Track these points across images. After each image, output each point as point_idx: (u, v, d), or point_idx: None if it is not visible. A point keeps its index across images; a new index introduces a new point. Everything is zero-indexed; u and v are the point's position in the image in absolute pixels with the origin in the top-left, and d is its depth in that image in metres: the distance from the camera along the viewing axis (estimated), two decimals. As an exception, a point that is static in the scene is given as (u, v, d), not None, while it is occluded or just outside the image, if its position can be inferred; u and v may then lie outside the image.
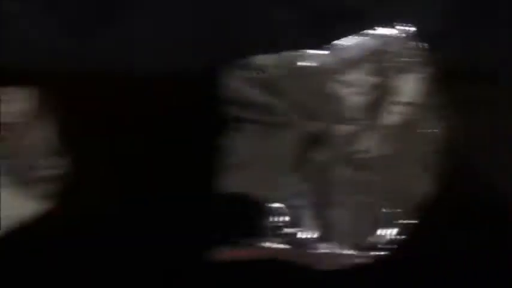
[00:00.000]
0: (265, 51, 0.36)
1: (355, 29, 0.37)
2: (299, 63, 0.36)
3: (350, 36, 0.37)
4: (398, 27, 0.37)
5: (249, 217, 0.31)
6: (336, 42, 0.37)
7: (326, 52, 0.36)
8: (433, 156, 0.33)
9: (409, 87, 0.35)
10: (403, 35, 0.36)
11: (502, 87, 0.37)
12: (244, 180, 0.32)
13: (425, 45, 0.35)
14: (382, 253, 0.31)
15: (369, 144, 0.34)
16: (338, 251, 0.31)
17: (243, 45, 0.37)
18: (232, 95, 0.34)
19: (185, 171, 0.33)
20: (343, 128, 0.34)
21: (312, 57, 0.36)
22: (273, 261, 0.31)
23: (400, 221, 0.32)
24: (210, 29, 0.38)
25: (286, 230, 0.31)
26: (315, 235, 0.32)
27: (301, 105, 0.35)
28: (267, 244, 0.31)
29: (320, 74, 0.36)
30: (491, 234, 0.32)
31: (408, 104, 0.35)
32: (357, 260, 0.31)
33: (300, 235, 0.31)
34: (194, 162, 0.33)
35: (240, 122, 0.33)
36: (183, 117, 0.34)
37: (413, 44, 0.36)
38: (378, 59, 0.36)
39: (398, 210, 0.32)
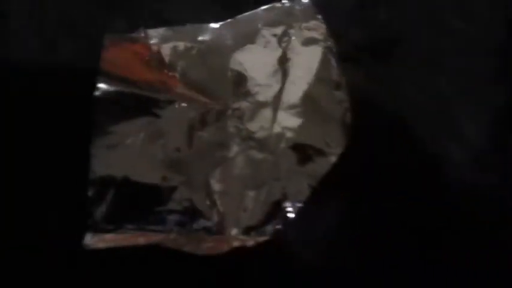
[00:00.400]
0: (160, 24, 0.34)
1: (260, 1, 0.35)
2: (199, 38, 0.34)
3: (254, 9, 0.35)
4: (303, 0, 0.35)
5: (130, 201, 0.28)
6: (239, 16, 0.35)
7: (227, 25, 0.34)
8: (336, 133, 0.32)
9: (313, 61, 0.33)
10: (307, 8, 0.35)
11: (403, 63, 0.35)
12: (126, 161, 0.29)
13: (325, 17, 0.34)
14: (275, 234, 0.28)
15: (270, 122, 0.32)
16: (229, 234, 0.29)
17: (135, 17, 0.34)
18: (115, 70, 0.31)
19: (59, 153, 0.30)
20: (242, 105, 0.32)
21: (212, 31, 0.34)
22: (156, 247, 0.27)
23: (295, 203, 0.30)
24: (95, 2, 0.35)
25: (173, 214, 0.28)
26: (204, 219, 0.29)
27: (197, 81, 0.32)
28: (150, 230, 0.28)
29: (219, 48, 0.33)
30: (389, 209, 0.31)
31: (311, 78, 0.33)
32: (248, 244, 0.28)
33: (186, 219, 0.28)
34: (69, 143, 0.30)
35: (124, 99, 0.30)
36: (56, 95, 0.31)
37: (317, 17, 0.34)
38: (281, 32, 0.34)
39: (294, 190, 0.30)
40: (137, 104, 0.30)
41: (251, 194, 0.30)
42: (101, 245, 0.27)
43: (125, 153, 0.29)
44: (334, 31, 0.34)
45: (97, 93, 0.29)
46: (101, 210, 0.28)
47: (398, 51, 0.35)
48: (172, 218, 0.28)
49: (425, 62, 0.35)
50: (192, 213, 0.29)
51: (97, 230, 0.28)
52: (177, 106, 0.31)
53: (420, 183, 0.32)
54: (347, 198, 0.31)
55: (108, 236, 0.27)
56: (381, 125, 0.33)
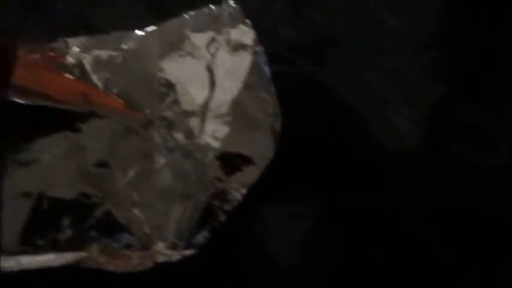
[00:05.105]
0: (83, 32, 0.32)
1: (190, 6, 0.34)
2: (123, 46, 0.33)
3: (180, 15, 0.34)
4: (231, 5, 0.34)
5: (46, 219, 0.27)
6: (165, 22, 0.34)
7: (153, 32, 0.33)
8: (265, 141, 0.31)
9: (241, 68, 0.32)
10: (235, 13, 0.34)
11: (337, 63, 0.35)
12: (42, 178, 0.28)
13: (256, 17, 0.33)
14: (200, 248, 0.28)
15: (197, 131, 0.31)
16: (154, 249, 0.28)
17: (54, 23, 0.33)
18: (29, 83, 0.29)
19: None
20: (169, 115, 0.31)
21: (137, 38, 0.33)
22: (75, 268, 0.27)
23: (223, 213, 0.29)
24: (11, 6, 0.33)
25: (93, 231, 0.27)
26: (127, 234, 0.28)
27: (121, 92, 0.31)
28: (69, 249, 0.27)
29: (144, 56, 0.32)
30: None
31: (239, 86, 0.32)
32: (174, 258, 0.28)
33: (108, 236, 0.28)
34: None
35: (39, 114, 0.28)
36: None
37: (245, 21, 0.34)
38: (209, 38, 0.33)
39: (222, 200, 0.29)
40: (54, 118, 0.29)
41: (178, 206, 0.29)
42: (16, 268, 0.26)
43: (41, 170, 0.28)
44: (266, 31, 0.33)
45: (8, 108, 0.28)
46: (14, 231, 0.27)
47: (332, 51, 0.35)
48: (93, 234, 0.27)
49: (359, 61, 0.35)
50: (114, 229, 0.28)
51: (10, 252, 0.26)
52: (99, 119, 0.30)
53: (357, 182, 0.32)
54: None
55: (24, 258, 0.26)
56: (315, 127, 0.33)
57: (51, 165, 0.28)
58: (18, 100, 0.28)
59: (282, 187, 0.31)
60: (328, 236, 0.31)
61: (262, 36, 0.33)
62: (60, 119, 0.29)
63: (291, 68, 0.34)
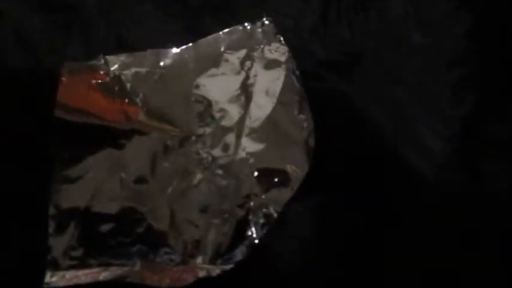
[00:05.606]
0: (121, 49, 0.33)
1: (225, 24, 0.35)
2: (160, 63, 0.33)
3: (217, 32, 0.35)
4: (265, 22, 0.35)
5: (91, 234, 0.28)
6: (201, 39, 0.35)
7: (188, 49, 0.34)
8: (299, 157, 0.31)
9: (275, 84, 0.33)
10: (269, 30, 0.35)
11: (366, 79, 0.35)
12: (88, 194, 0.29)
13: (288, 35, 0.34)
14: (237, 262, 0.28)
15: (233, 147, 0.31)
16: (194, 264, 0.29)
17: (94, 42, 0.33)
18: (74, 101, 0.30)
19: (17, 185, 0.29)
20: (206, 131, 0.32)
21: (173, 55, 0.34)
22: (118, 283, 0.27)
23: (260, 228, 0.29)
24: (52, 25, 0.34)
25: (137, 246, 0.28)
26: (168, 249, 0.28)
27: (159, 108, 0.32)
28: (113, 263, 0.27)
29: (181, 73, 0.33)
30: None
31: (273, 102, 0.32)
32: (213, 273, 0.28)
33: (150, 250, 0.28)
34: (27, 174, 0.29)
35: (84, 131, 0.30)
36: (12, 123, 0.30)
37: (279, 38, 0.34)
38: (243, 55, 0.34)
39: (259, 216, 0.30)
40: (98, 135, 0.30)
41: (216, 221, 0.30)
42: (62, 283, 0.27)
43: (86, 186, 0.29)
44: (295, 48, 0.34)
45: (55, 126, 0.29)
46: (60, 246, 0.27)
47: (360, 67, 0.35)
48: (136, 249, 0.28)
49: (387, 77, 0.35)
50: (155, 243, 0.28)
51: (57, 267, 0.27)
52: (140, 135, 0.31)
53: (387, 197, 0.32)
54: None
55: (70, 274, 0.27)
56: (341, 141, 0.33)
57: (95, 181, 0.29)
58: (63, 117, 0.29)
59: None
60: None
61: (291, 53, 0.33)
62: (104, 136, 0.30)
63: (319, 84, 0.34)
